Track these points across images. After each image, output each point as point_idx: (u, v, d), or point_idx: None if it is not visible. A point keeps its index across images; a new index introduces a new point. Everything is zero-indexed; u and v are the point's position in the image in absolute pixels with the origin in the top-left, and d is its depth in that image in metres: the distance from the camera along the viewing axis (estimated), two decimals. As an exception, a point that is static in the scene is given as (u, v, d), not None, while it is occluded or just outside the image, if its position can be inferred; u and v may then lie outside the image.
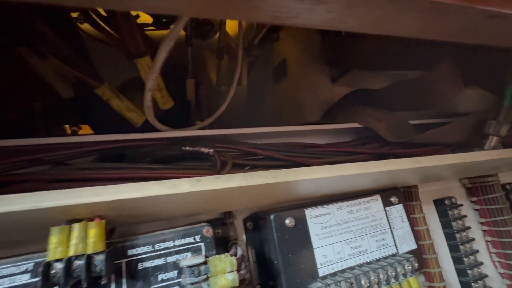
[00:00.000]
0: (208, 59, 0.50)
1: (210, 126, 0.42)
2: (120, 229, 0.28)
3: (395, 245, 0.33)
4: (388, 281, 0.29)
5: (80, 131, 0.83)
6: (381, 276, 0.29)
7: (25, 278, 0.20)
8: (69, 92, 0.35)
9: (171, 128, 0.31)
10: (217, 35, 0.49)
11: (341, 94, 0.49)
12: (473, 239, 0.43)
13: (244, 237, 0.34)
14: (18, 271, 0.20)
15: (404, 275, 0.29)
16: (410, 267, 0.30)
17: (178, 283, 0.23)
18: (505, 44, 0.26)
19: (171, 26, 0.21)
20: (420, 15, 0.17)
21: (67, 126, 0.73)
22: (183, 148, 0.29)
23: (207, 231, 0.25)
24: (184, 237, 0.24)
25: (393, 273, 0.29)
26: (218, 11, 0.16)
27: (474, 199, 0.48)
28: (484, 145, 0.37)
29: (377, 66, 0.47)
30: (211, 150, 0.29)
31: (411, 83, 0.41)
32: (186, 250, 0.24)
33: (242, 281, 0.24)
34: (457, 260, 0.42)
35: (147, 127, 0.36)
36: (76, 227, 0.21)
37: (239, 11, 0.15)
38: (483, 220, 0.46)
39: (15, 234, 0.23)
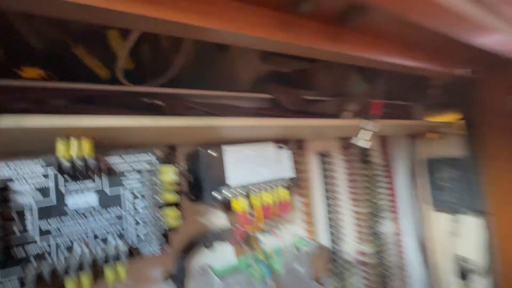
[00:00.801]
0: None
1: (160, 85, 0.54)
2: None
3: (286, 171, 0.54)
4: (266, 189, 0.49)
5: (23, 73, 0.82)
6: (267, 188, 0.49)
7: (39, 169, 0.33)
8: (39, 43, 0.43)
9: (133, 85, 0.43)
10: None
11: (267, 71, 0.65)
12: (337, 178, 0.68)
13: (184, 165, 0.50)
14: (34, 164, 0.33)
15: (281, 186, 0.50)
16: (286, 184, 0.51)
17: (139, 178, 0.38)
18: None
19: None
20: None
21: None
22: (142, 99, 0.42)
23: (158, 151, 0.40)
24: (142, 153, 0.39)
25: (276, 185, 0.49)
26: None
27: (344, 152, 0.72)
28: (342, 116, 0.59)
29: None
30: (163, 103, 0.43)
31: (307, 70, 0.59)
32: (144, 162, 0.39)
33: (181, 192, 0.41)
34: (325, 190, 0.67)
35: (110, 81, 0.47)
36: (75, 140, 0.33)
37: None
38: (346, 166, 0.72)
39: (25, 145, 0.34)
